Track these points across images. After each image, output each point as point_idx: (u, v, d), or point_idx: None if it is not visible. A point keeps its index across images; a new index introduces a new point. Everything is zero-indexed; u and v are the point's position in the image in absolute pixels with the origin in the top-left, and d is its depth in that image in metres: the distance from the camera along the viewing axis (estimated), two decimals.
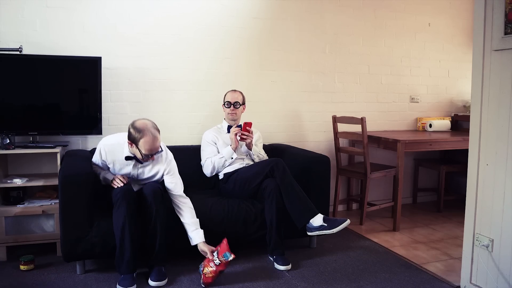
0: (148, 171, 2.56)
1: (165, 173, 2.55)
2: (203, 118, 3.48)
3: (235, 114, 3.07)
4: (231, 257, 2.33)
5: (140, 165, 2.54)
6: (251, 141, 2.95)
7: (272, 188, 2.64)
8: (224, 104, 3.11)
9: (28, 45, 2.93)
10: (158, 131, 2.40)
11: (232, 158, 2.94)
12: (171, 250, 2.53)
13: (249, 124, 2.93)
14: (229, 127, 3.06)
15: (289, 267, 2.59)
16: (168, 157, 2.58)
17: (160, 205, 2.45)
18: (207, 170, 2.99)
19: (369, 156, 3.48)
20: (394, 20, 4.05)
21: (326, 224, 2.55)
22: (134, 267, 2.36)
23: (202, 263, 2.40)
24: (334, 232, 2.53)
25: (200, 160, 3.08)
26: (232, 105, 3.05)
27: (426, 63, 4.23)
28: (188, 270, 2.57)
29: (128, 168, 2.53)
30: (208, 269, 2.33)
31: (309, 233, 2.60)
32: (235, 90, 3.14)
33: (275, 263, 2.63)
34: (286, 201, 2.63)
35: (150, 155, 2.40)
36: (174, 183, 2.54)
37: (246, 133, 2.91)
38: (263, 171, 2.71)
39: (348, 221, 2.55)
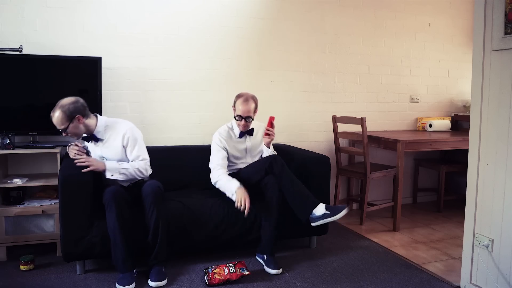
0: (110, 151, 2.58)
1: (125, 146, 2.58)
2: (203, 118, 3.48)
3: (247, 127, 2.88)
4: (246, 272, 2.42)
5: (98, 143, 2.58)
6: (273, 138, 2.84)
7: (272, 184, 2.63)
8: (234, 116, 2.85)
9: (28, 45, 2.93)
10: (62, 110, 2.40)
11: (232, 195, 2.65)
12: (171, 250, 2.53)
13: (273, 118, 2.80)
14: (241, 134, 2.91)
15: (280, 271, 2.56)
16: (124, 132, 2.58)
17: (161, 205, 2.46)
18: (213, 180, 2.81)
19: (369, 156, 3.48)
20: (394, 20, 4.05)
21: (328, 212, 2.54)
22: (132, 265, 2.37)
23: (215, 266, 2.43)
24: (338, 218, 2.52)
25: (200, 160, 3.07)
26: (243, 119, 2.82)
27: (426, 63, 4.23)
28: (188, 270, 2.57)
29: (95, 150, 2.60)
30: (220, 271, 2.39)
31: (313, 224, 2.56)
32: (247, 100, 2.80)
33: (265, 266, 2.61)
34: (287, 196, 2.63)
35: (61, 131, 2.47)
36: (135, 155, 2.60)
37: (271, 129, 2.78)
38: (262, 167, 2.70)
39: (348, 208, 2.58)
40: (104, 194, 2.39)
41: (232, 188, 2.61)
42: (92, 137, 2.56)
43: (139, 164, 2.57)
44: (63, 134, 2.48)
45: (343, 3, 3.84)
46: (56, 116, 2.41)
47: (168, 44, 3.34)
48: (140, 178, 2.63)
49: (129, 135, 2.57)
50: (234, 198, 2.59)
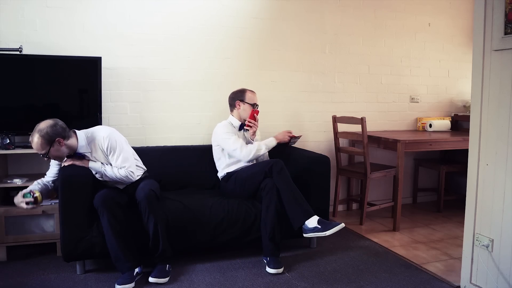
0: (100, 159, 2.51)
1: (109, 156, 2.51)
2: (203, 118, 3.48)
3: (258, 113, 3.02)
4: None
5: (88, 156, 2.50)
6: (255, 130, 2.98)
7: (270, 188, 2.63)
8: (252, 106, 2.98)
9: (28, 45, 2.93)
10: (40, 134, 2.29)
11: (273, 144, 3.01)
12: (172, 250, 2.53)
13: (256, 112, 2.98)
14: (241, 126, 3.02)
15: (280, 270, 2.56)
16: (102, 141, 2.50)
17: (157, 208, 2.45)
18: (248, 157, 2.86)
19: (369, 156, 3.48)
20: (394, 20, 4.05)
21: (320, 226, 2.54)
22: (132, 265, 2.37)
23: None
24: (327, 234, 2.52)
25: (200, 160, 3.07)
26: (257, 106, 3.03)
27: (426, 63, 4.23)
28: (188, 270, 2.57)
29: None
30: None
31: (304, 235, 2.59)
32: (253, 91, 3.07)
33: (266, 266, 2.61)
34: (283, 201, 2.63)
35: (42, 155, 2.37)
36: (115, 163, 2.51)
37: (252, 120, 2.94)
38: (262, 170, 2.71)
39: (342, 225, 2.54)
40: (94, 199, 2.38)
41: (269, 144, 2.97)
42: (78, 155, 2.47)
43: (120, 172, 2.49)
44: (45, 159, 2.39)
45: (343, 3, 3.84)
46: (35, 141, 2.30)
47: (168, 44, 3.34)
48: (128, 182, 2.57)
49: (106, 144, 2.48)
50: (274, 143, 3.00)
